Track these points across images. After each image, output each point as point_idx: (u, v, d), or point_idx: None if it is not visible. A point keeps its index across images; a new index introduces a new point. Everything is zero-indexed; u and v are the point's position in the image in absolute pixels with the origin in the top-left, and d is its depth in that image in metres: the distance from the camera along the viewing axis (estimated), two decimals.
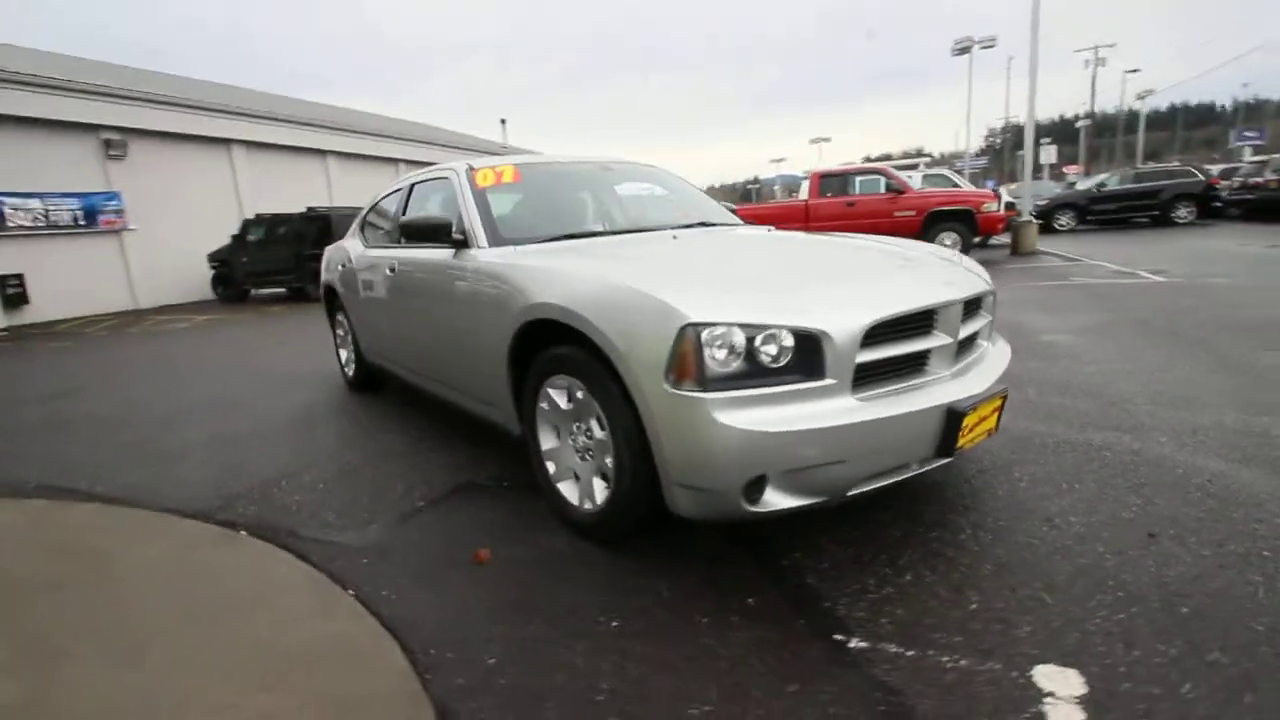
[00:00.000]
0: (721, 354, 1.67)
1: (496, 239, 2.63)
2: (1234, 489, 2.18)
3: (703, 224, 3.02)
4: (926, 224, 10.01)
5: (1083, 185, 17.71)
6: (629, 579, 1.89)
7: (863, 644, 1.54)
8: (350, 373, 4.49)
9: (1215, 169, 17.77)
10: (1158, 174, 15.71)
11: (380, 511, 2.48)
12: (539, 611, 1.77)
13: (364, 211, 4.22)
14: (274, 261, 12.84)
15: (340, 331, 4.58)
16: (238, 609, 1.87)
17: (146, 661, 1.65)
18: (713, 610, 1.71)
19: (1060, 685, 1.37)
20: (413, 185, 3.50)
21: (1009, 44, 23.44)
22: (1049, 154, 31.72)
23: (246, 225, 13.18)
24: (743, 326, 1.68)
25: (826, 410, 1.71)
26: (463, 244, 2.71)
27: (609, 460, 1.97)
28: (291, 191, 16.16)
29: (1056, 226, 15.87)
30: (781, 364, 1.70)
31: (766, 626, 1.63)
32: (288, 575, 2.07)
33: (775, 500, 1.73)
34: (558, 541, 2.15)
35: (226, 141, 14.98)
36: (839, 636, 1.57)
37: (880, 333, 1.80)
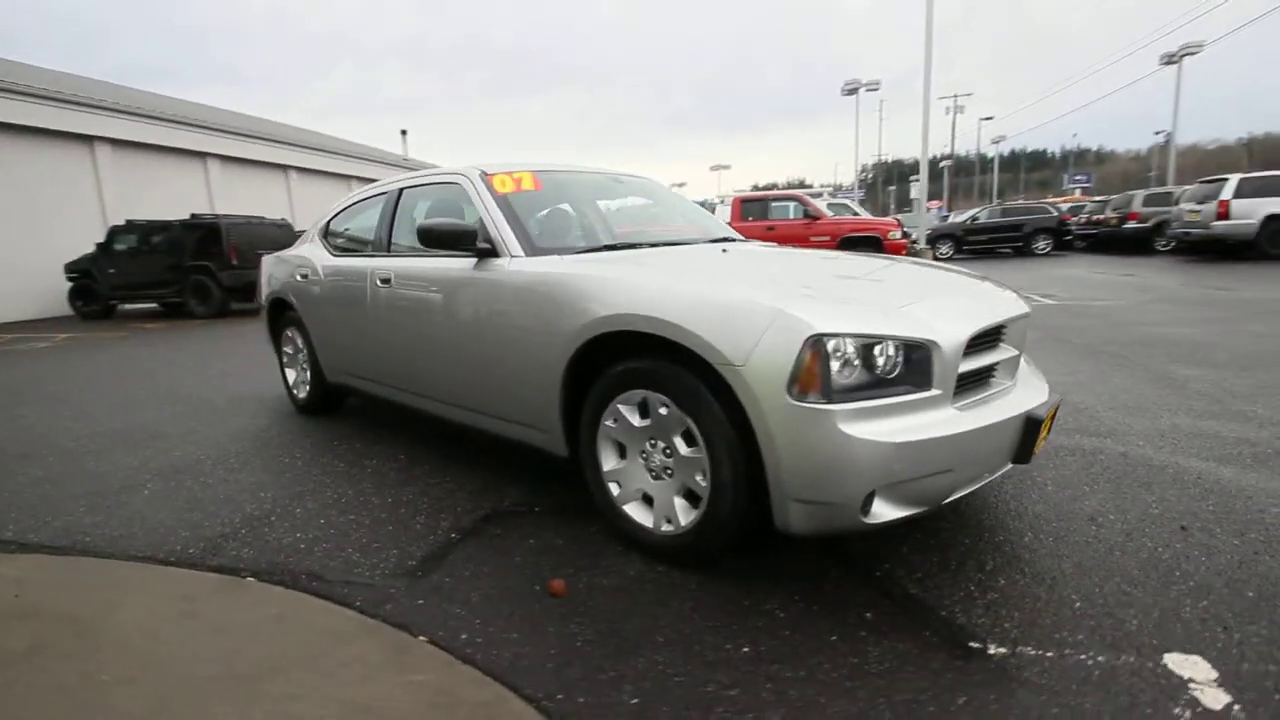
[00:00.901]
0: (845, 365, 1.67)
1: (532, 248, 2.48)
2: (1224, 484, 2.45)
3: (726, 239, 3.02)
4: (839, 248, 10.68)
5: (957, 219, 19.66)
6: (733, 602, 1.82)
7: (1002, 649, 1.56)
8: (302, 395, 4.07)
9: (1065, 206, 20.31)
10: (1020, 210, 17.79)
11: (410, 547, 2.24)
12: (652, 642, 1.66)
13: (325, 218, 3.86)
14: (148, 274, 11.51)
15: (289, 350, 4.14)
16: (293, 667, 1.60)
17: None
18: (837, 628, 1.68)
19: (1192, 671, 1.46)
20: (401, 190, 3.25)
21: (887, 88, 25.75)
22: (917, 189, 35.04)
23: (114, 233, 11.73)
24: (864, 337, 1.68)
25: (936, 420, 1.74)
26: (488, 253, 2.54)
27: (700, 478, 1.89)
28: (166, 197, 14.59)
29: (937, 255, 17.48)
30: (894, 375, 1.72)
31: (898, 638, 1.62)
32: (333, 624, 1.80)
33: (884, 512, 1.73)
34: (631, 566, 2.03)
35: (88, 139, 13.28)
36: (975, 644, 1.59)
37: (972, 344, 1.87)
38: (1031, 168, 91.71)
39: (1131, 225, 15.93)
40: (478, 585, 1.97)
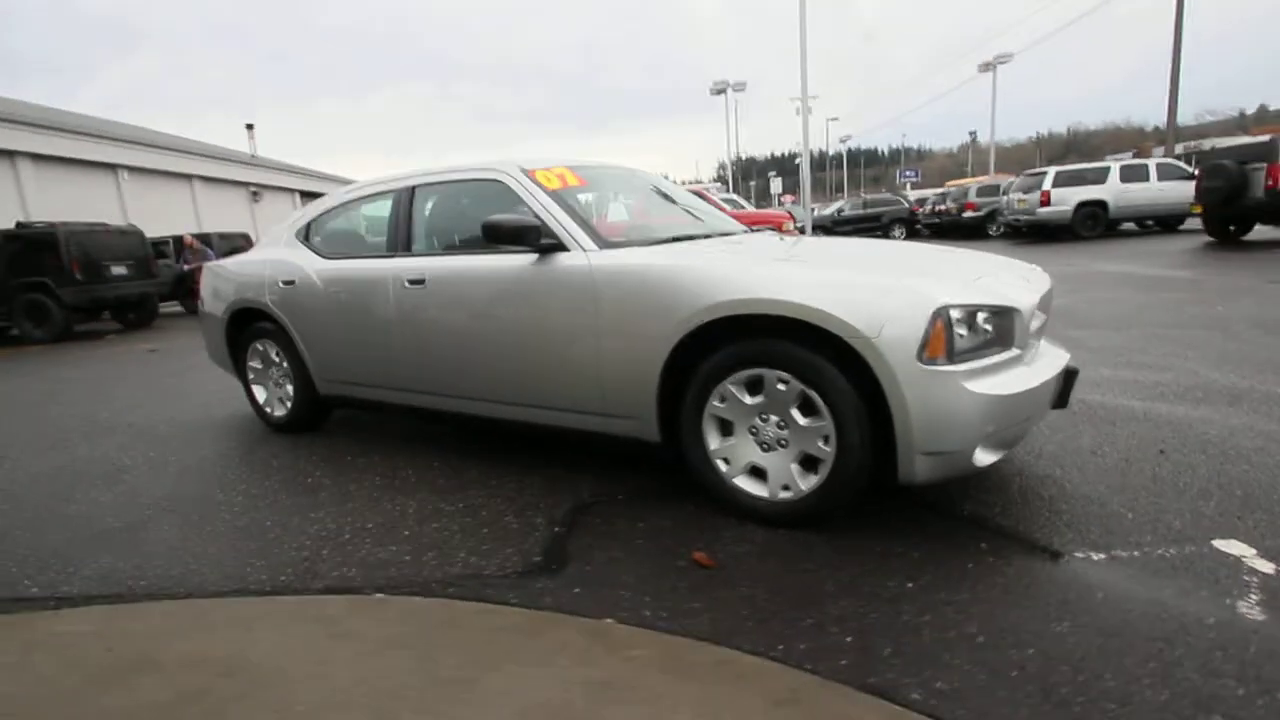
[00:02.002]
0: (963, 331, 1.94)
1: (604, 242, 2.54)
2: (1166, 416, 3.04)
3: (749, 229, 3.23)
4: None
5: (825, 210, 21.41)
6: (869, 550, 2.04)
7: (1100, 555, 1.91)
8: (278, 412, 3.75)
9: (913, 196, 22.78)
10: (879, 203, 19.75)
11: (521, 545, 2.24)
12: (824, 592, 1.83)
13: (302, 221, 3.59)
14: None
15: (257, 365, 3.80)
16: (501, 662, 1.59)
17: None
18: (967, 558, 1.95)
19: (1238, 550, 1.89)
20: (413, 189, 3.13)
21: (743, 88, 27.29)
22: (777, 185, 37.51)
23: None
24: (972, 307, 1.96)
25: (1021, 375, 2.07)
26: (552, 249, 2.57)
27: (822, 444, 2.09)
28: None
29: None
30: (991, 338, 2.02)
31: (1019, 559, 1.92)
32: (506, 621, 1.80)
33: (984, 457, 2.03)
34: (754, 533, 2.19)
35: None
36: (1080, 554, 1.93)
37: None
38: (867, 164, 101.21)
39: (969, 214, 18.26)
40: (622, 568, 2.04)
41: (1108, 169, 14.32)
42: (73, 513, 2.77)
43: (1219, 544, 1.93)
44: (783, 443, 2.20)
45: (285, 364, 3.63)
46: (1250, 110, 65.99)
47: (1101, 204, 13.97)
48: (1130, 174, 14.02)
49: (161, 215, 17.72)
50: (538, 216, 2.63)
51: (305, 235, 3.56)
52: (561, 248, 2.56)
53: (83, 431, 4.17)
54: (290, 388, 3.67)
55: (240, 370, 3.92)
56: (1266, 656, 1.45)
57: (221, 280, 3.92)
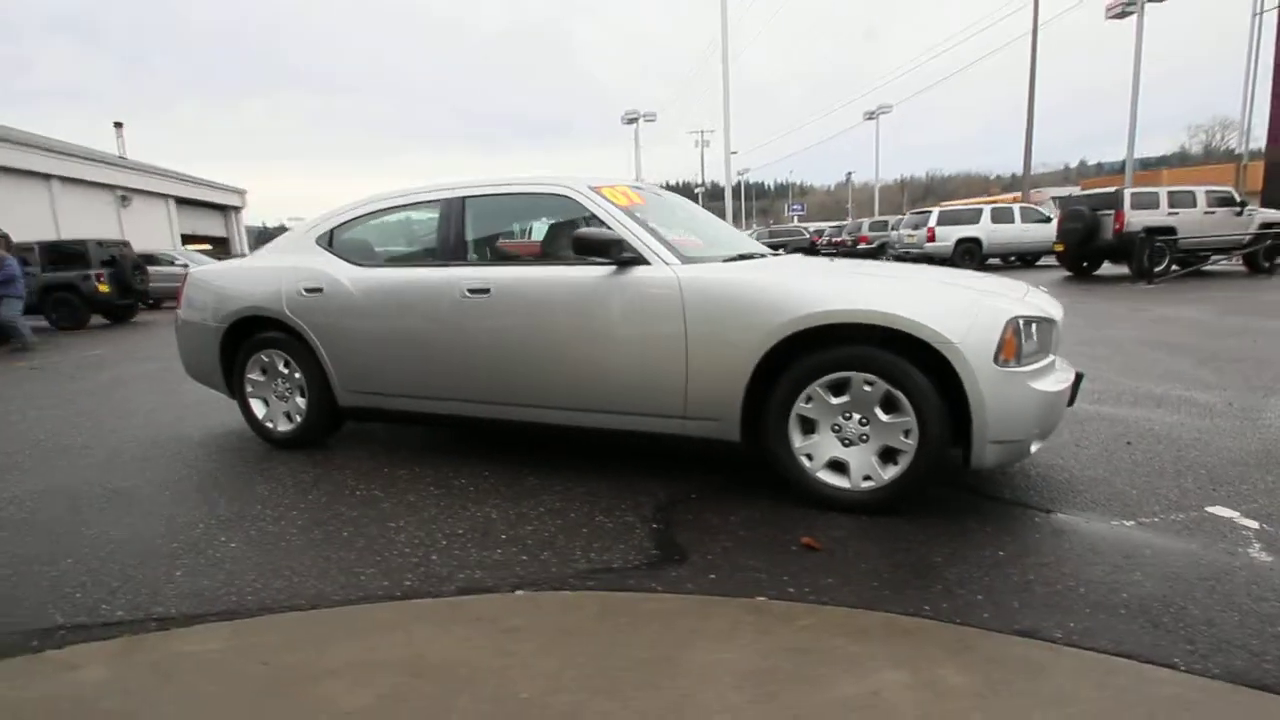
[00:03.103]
0: (1027, 338, 2.30)
1: (684, 257, 2.72)
2: (1119, 416, 3.64)
3: (763, 250, 3.52)
4: None
5: None
6: (943, 527, 2.33)
7: (1131, 522, 2.32)
8: (284, 427, 3.56)
9: (812, 228, 24.51)
10: (784, 233, 21.16)
11: (632, 541, 2.34)
12: (933, 563, 2.09)
13: (326, 226, 3.47)
14: None
15: (257, 377, 3.58)
16: (720, 640, 1.71)
17: None
18: (1027, 526, 2.30)
19: (1225, 513, 2.36)
20: (464, 199, 3.14)
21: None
22: None
23: None
24: (1032, 318, 2.34)
25: (1059, 377, 2.47)
26: (632, 262, 2.71)
27: (904, 437, 2.37)
28: None
29: None
30: (1039, 345, 2.41)
31: (1077, 528, 2.29)
32: (683, 606, 1.91)
33: (1034, 446, 2.41)
34: (843, 519, 2.42)
35: None
36: (1114, 522, 2.33)
37: None
38: (756, 197, 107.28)
39: (863, 245, 20.00)
40: (741, 555, 2.20)
41: (981, 211, 16.28)
42: (103, 536, 2.51)
43: (1210, 509, 2.40)
44: (864, 438, 2.46)
45: (298, 375, 3.46)
46: (1073, 164, 77.02)
47: (977, 241, 15.84)
48: (999, 216, 16.03)
49: (7, 218, 15.55)
50: (614, 231, 2.77)
51: (329, 241, 3.44)
52: (642, 261, 2.72)
53: (36, 456, 3.70)
54: (301, 400, 3.50)
55: (235, 384, 3.66)
56: (1274, 582, 1.88)
57: (215, 288, 3.67)
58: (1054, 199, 23.85)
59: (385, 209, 3.38)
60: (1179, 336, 6.02)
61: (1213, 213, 11.38)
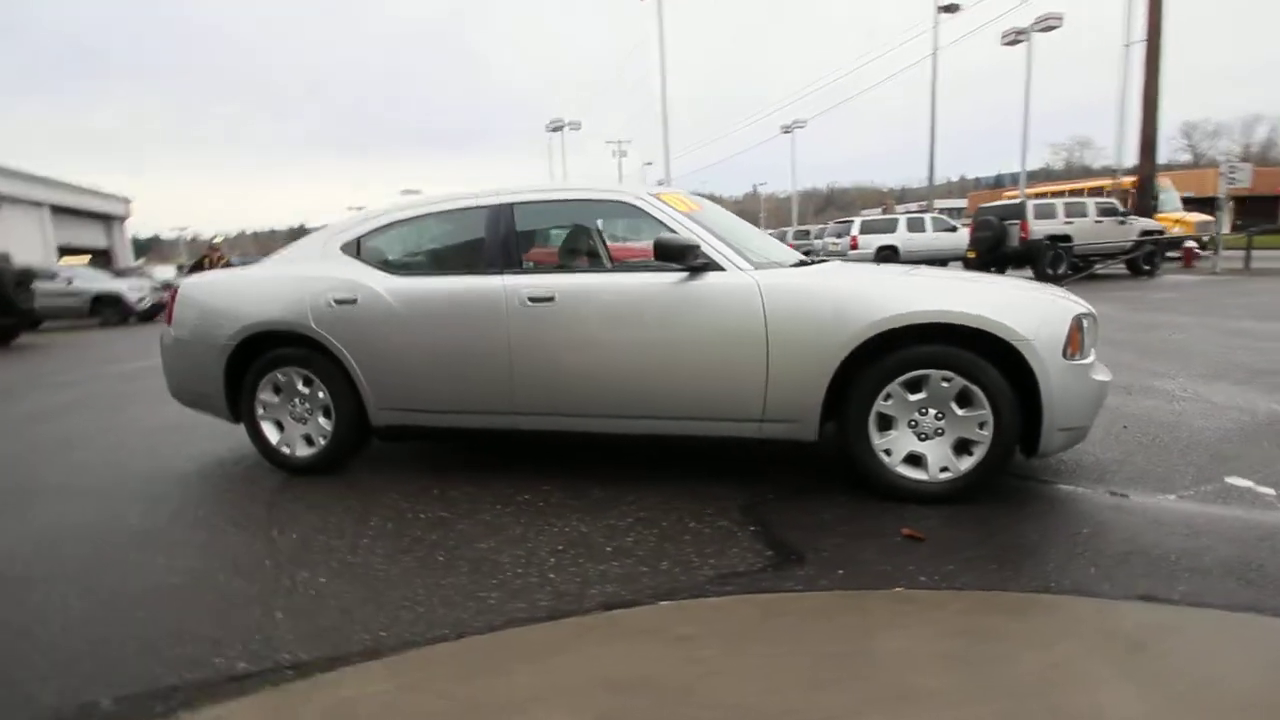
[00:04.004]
0: (1086, 334, 2.53)
1: (753, 264, 2.79)
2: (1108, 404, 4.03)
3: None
4: None
5: None
6: (1020, 513, 2.52)
7: (1172, 496, 2.60)
8: (303, 452, 3.31)
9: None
10: None
11: (735, 546, 2.37)
12: (1030, 541, 2.27)
13: (353, 234, 3.27)
14: None
15: (269, 398, 3.31)
16: (898, 629, 1.76)
17: None
18: (1106, 512, 2.52)
19: (1242, 483, 2.69)
20: (513, 205, 3.06)
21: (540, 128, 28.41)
22: (599, 223, 39.10)
23: None
24: (1087, 315, 2.57)
25: (1104, 367, 2.73)
26: (704, 268, 2.75)
27: (980, 429, 2.54)
28: None
29: None
30: (1092, 340, 2.65)
31: (1134, 505, 2.53)
32: (837, 602, 1.95)
33: (1089, 431, 2.65)
34: (926, 510, 2.54)
35: None
36: (1160, 496, 2.59)
37: None
38: None
39: None
40: (854, 551, 2.28)
41: (897, 220, 17.45)
42: (161, 583, 2.25)
43: (1229, 480, 2.73)
44: (939, 432, 2.62)
45: (322, 394, 3.23)
46: (955, 179, 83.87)
47: (894, 248, 16.94)
48: (913, 225, 17.23)
49: None
50: (691, 237, 2.79)
51: (357, 250, 3.24)
52: (714, 267, 2.76)
53: (17, 494, 3.24)
54: (324, 421, 3.27)
55: (243, 407, 3.37)
56: None
57: (217, 301, 3.37)
58: (941, 210, 25.93)
59: (421, 215, 3.24)
60: (1109, 333, 6.72)
61: (1101, 222, 12.80)
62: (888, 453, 2.66)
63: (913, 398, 2.61)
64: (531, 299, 2.90)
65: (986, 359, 2.51)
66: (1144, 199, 14.57)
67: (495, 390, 3.00)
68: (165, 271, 27.81)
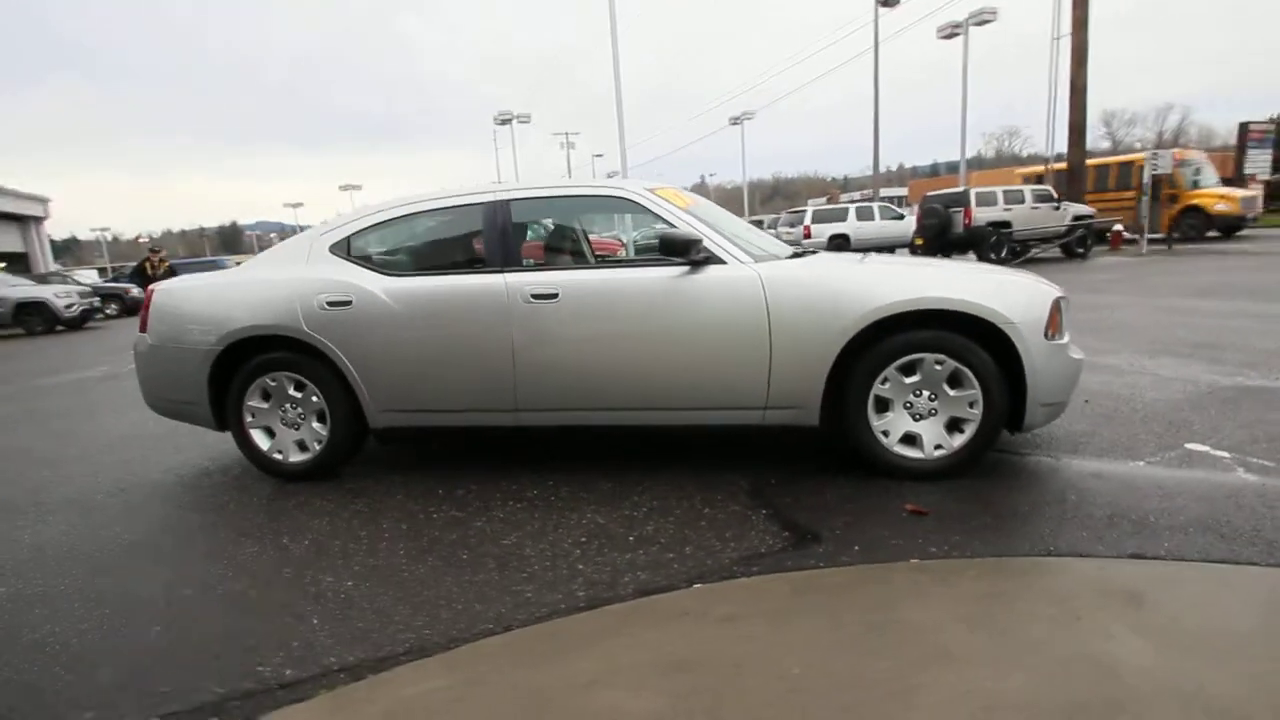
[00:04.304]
0: (1065, 315, 2.72)
1: (754, 256, 2.87)
2: None
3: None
4: None
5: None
6: (1020, 485, 2.69)
7: (1140, 462, 2.82)
8: (296, 457, 3.24)
9: None
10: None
11: (755, 529, 2.46)
12: (1044, 513, 2.43)
13: (342, 234, 3.19)
14: None
15: (258, 404, 3.22)
16: (915, 598, 1.88)
17: None
18: (1088, 480, 2.72)
19: (1201, 448, 2.94)
20: (507, 203, 3.06)
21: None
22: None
23: None
24: (1064, 298, 2.75)
25: (1077, 347, 2.93)
26: (705, 261, 2.82)
27: (970, 408, 2.70)
28: None
29: None
30: (1067, 321, 2.84)
31: (1112, 472, 2.74)
32: (862, 576, 2.06)
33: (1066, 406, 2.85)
34: (924, 488, 2.69)
35: None
36: (1131, 463, 2.81)
37: None
38: None
39: None
40: (864, 528, 2.40)
41: (847, 209, 17.94)
42: (174, 595, 2.18)
43: (1189, 446, 2.98)
44: (933, 412, 2.76)
45: (317, 398, 3.16)
46: (894, 168, 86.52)
47: (845, 236, 17.43)
48: (862, 214, 17.77)
49: None
50: (693, 231, 2.85)
51: (347, 250, 3.17)
52: (715, 260, 2.83)
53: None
54: (319, 425, 3.20)
55: (229, 414, 3.26)
56: (1277, 493, 2.42)
57: (198, 306, 3.24)
58: (884, 199, 26.80)
59: (412, 214, 3.19)
60: None
61: (1038, 208, 13.50)
62: (885, 433, 2.79)
63: (907, 380, 2.75)
64: (534, 296, 2.91)
65: (976, 342, 2.67)
66: (1073, 185, 15.43)
67: (499, 387, 3.00)
68: (87, 275, 26.16)
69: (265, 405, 3.26)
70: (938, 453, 2.77)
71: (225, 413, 3.30)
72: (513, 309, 2.93)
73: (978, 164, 61.53)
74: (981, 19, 18.86)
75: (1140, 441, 3.08)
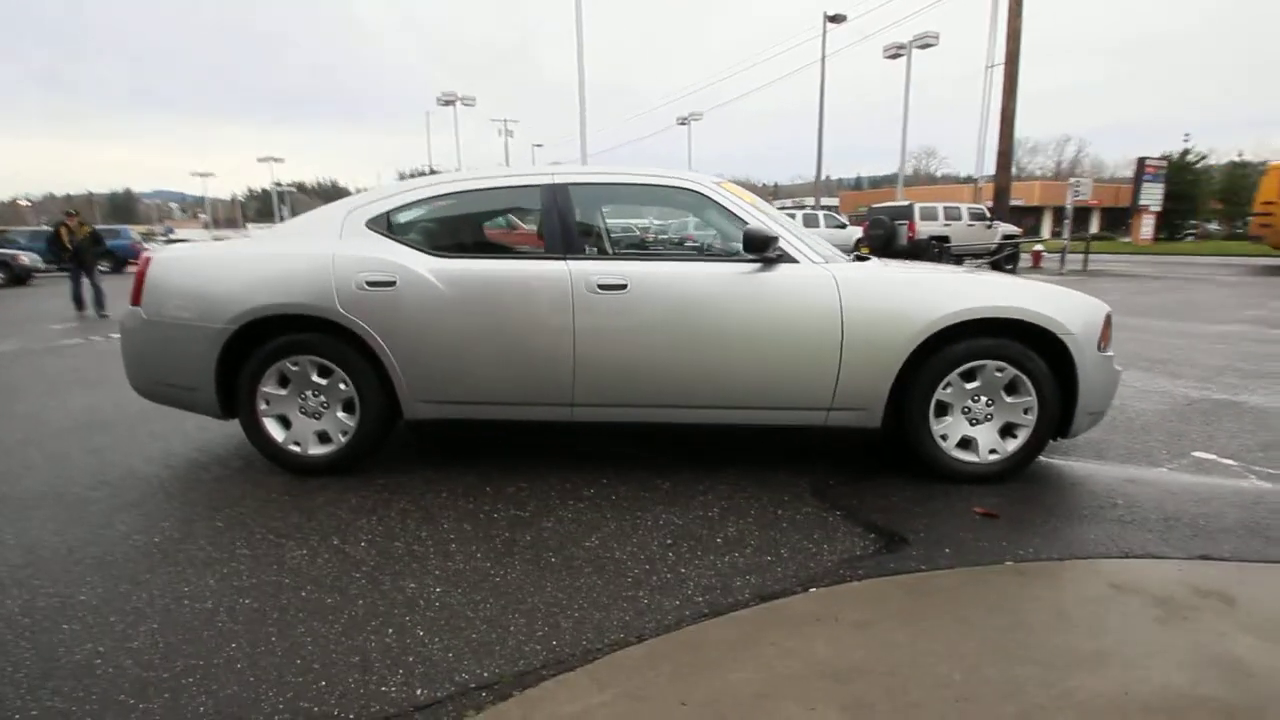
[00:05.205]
0: (1111, 329, 2.87)
1: (822, 257, 2.86)
2: None
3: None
4: None
5: None
6: (1070, 485, 2.82)
7: (1162, 469, 3.02)
8: (316, 449, 2.97)
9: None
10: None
11: (839, 531, 2.46)
12: (1092, 512, 2.54)
13: (381, 208, 2.94)
14: None
15: (274, 390, 2.92)
16: (1027, 600, 1.91)
17: None
18: (1129, 485, 2.87)
19: (1208, 456, 3.19)
20: (566, 186, 2.91)
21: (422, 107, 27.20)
22: None
23: None
24: (1110, 312, 2.91)
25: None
26: (778, 259, 2.79)
27: (1025, 414, 2.80)
28: None
29: None
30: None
31: (1144, 476, 2.92)
32: (971, 578, 2.08)
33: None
34: (984, 490, 2.78)
35: None
36: (1157, 469, 3.01)
37: None
38: None
39: (690, 244, 21.37)
40: (945, 530, 2.44)
41: (794, 216, 18.43)
42: (232, 605, 1.93)
43: (1196, 454, 3.22)
44: (989, 417, 2.85)
45: (345, 386, 2.90)
46: (823, 178, 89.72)
47: None
48: (808, 221, 18.31)
49: None
50: (770, 228, 2.80)
51: (387, 225, 2.92)
52: (788, 259, 2.80)
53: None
54: (344, 415, 2.94)
55: (240, 401, 2.94)
56: None
57: (210, 278, 2.90)
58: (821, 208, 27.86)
59: (460, 191, 2.98)
60: None
61: (973, 225, 14.37)
62: (944, 437, 2.86)
63: (968, 386, 2.82)
64: (602, 286, 2.78)
65: (1033, 349, 2.77)
66: (1000, 204, 16.53)
67: (555, 380, 2.85)
68: None
69: (282, 392, 2.96)
70: (992, 457, 2.86)
71: (233, 399, 2.98)
72: (577, 298, 2.79)
73: (894, 180, 65.10)
74: (925, 42, 19.89)
75: (1153, 449, 3.30)
